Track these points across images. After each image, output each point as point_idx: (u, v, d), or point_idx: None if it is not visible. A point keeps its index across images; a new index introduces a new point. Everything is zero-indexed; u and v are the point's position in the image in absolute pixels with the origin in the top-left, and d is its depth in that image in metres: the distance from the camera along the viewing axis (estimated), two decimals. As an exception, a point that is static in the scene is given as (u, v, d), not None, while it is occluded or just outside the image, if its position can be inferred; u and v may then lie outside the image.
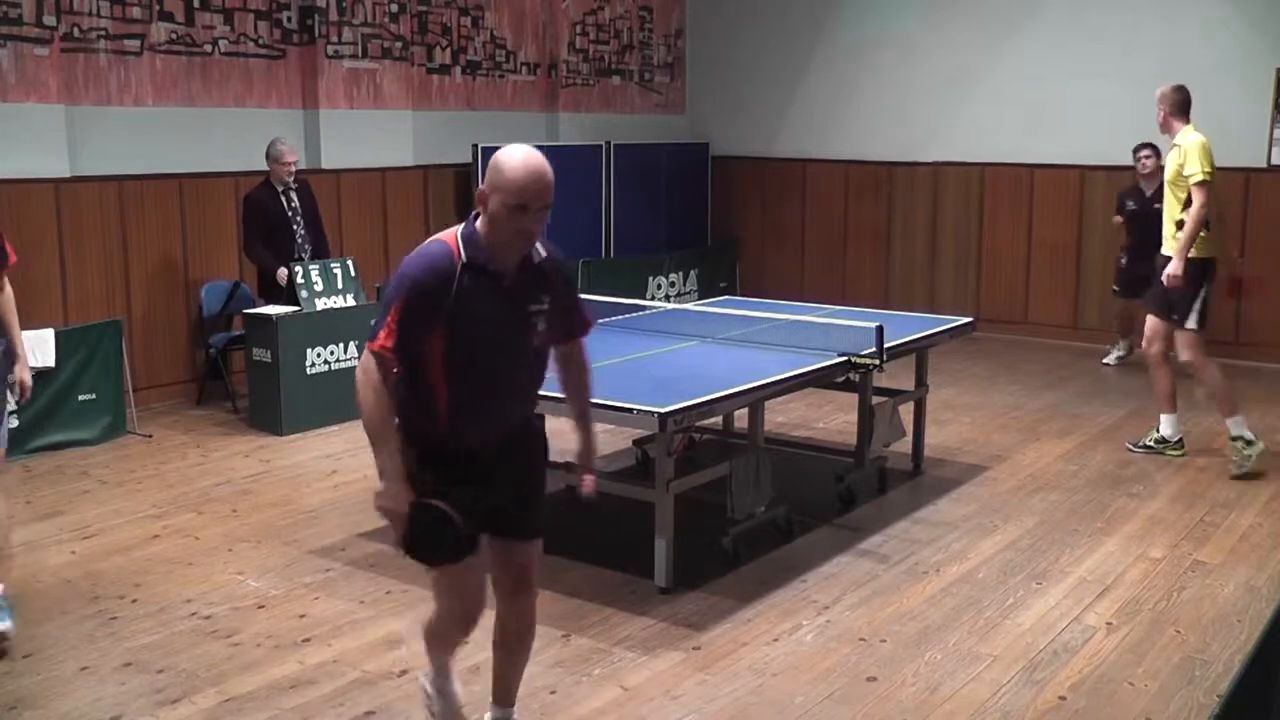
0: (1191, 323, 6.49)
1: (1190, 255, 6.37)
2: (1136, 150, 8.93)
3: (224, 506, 5.97)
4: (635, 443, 6.55)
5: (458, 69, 10.07)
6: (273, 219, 7.72)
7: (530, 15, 10.68)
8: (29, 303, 7.31)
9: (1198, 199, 6.29)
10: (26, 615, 4.64)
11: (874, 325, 5.58)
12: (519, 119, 10.61)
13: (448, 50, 9.97)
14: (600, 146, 10.97)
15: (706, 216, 12.32)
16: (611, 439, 7.02)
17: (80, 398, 7.03)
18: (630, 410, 4.57)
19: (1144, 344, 6.82)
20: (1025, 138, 10.38)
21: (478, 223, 3.08)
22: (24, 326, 6.91)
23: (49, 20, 7.27)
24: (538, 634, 4.45)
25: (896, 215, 11.24)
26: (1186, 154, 6.34)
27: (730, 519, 5.18)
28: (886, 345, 5.54)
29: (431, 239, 3.10)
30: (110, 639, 4.42)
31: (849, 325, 5.86)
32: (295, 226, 7.81)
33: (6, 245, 4.51)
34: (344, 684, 4.07)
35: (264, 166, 7.85)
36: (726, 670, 4.19)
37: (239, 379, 7.89)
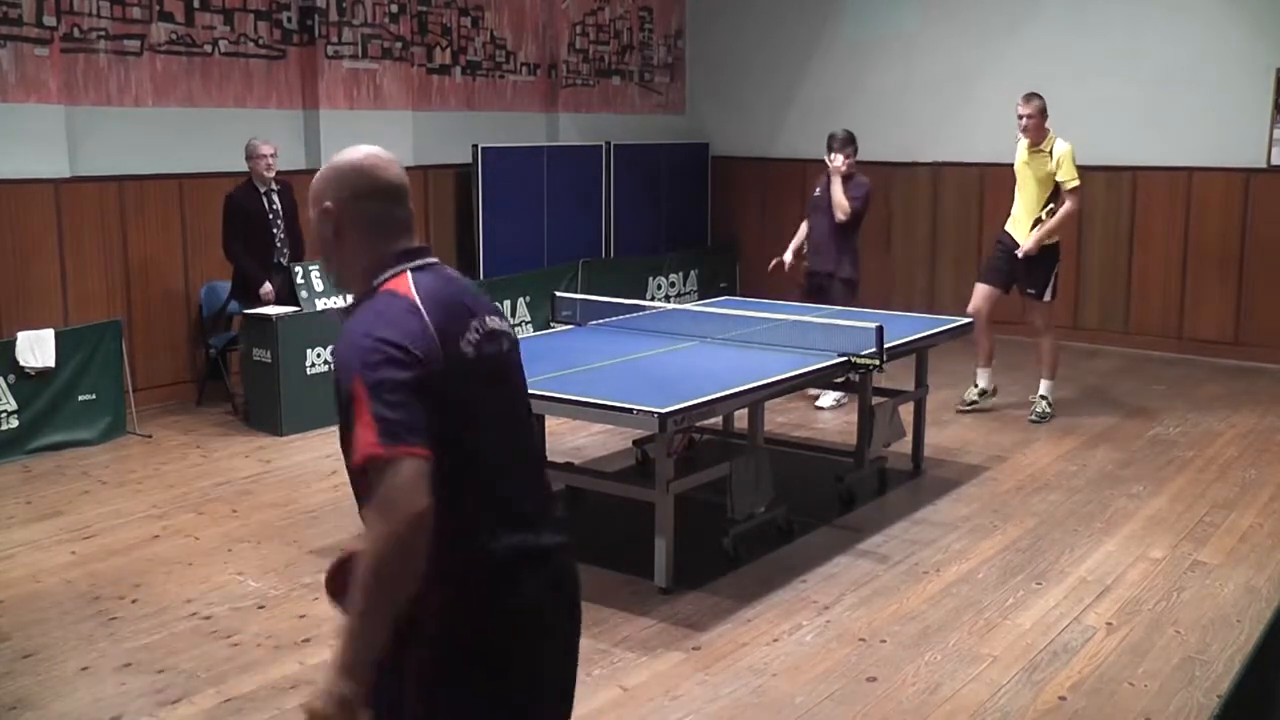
0: (1048, 295, 7.57)
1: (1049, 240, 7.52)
2: (844, 145, 7.94)
3: (224, 507, 5.97)
4: (635, 443, 6.54)
5: (458, 69, 10.07)
6: (253, 220, 7.66)
7: (530, 15, 10.68)
8: (29, 303, 7.34)
9: (1073, 202, 7.42)
10: (26, 616, 4.64)
11: (874, 325, 5.58)
12: (519, 119, 10.61)
13: (448, 50, 9.97)
14: (600, 147, 10.96)
15: (706, 216, 12.32)
16: (611, 439, 7.03)
17: (80, 398, 7.03)
18: (630, 410, 4.56)
19: (973, 310, 7.62)
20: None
21: None
22: (24, 327, 6.97)
23: (49, 20, 7.27)
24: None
25: (896, 215, 11.24)
26: (1063, 161, 7.35)
27: (730, 519, 5.18)
28: (886, 345, 5.54)
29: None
30: (110, 639, 4.42)
31: (849, 325, 5.86)
32: (275, 230, 7.75)
33: None
34: (344, 684, 4.07)
35: (264, 167, 7.87)
36: (726, 670, 4.18)
37: (239, 379, 7.89)
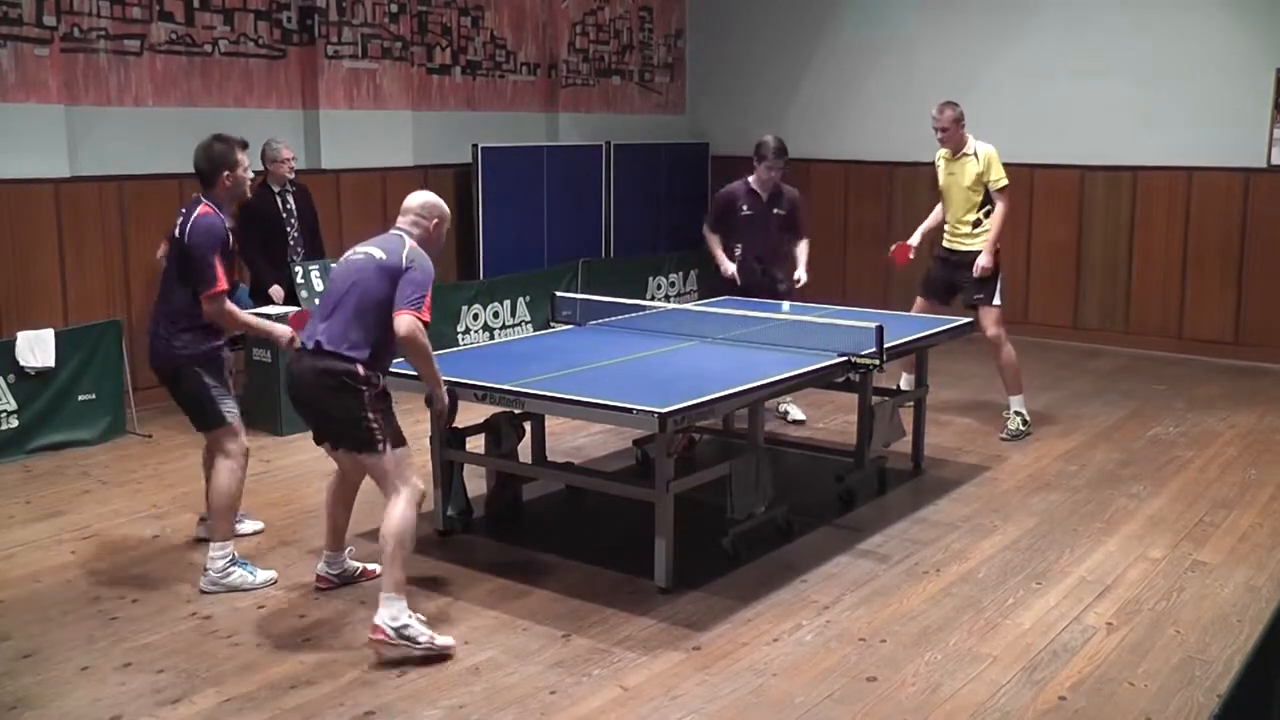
0: (997, 299, 7.32)
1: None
2: (778, 156, 7.29)
3: (224, 507, 5.97)
4: (635, 443, 6.55)
5: (458, 69, 10.07)
6: (267, 222, 7.69)
7: (530, 15, 10.69)
8: (29, 303, 7.34)
9: (1004, 203, 7.26)
10: (26, 616, 4.65)
11: (874, 325, 5.58)
12: (519, 119, 10.61)
13: (448, 50, 9.97)
14: (600, 146, 10.97)
15: (706, 216, 12.32)
16: (611, 439, 7.03)
17: (80, 398, 7.03)
18: (630, 410, 4.56)
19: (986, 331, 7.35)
20: (1025, 138, 10.36)
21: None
22: (24, 327, 6.96)
23: (49, 20, 7.27)
24: (537, 634, 4.48)
25: (896, 215, 11.23)
26: (990, 162, 7.23)
27: (730, 519, 5.18)
28: (886, 345, 5.54)
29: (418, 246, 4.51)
30: (110, 639, 4.42)
31: (849, 325, 5.86)
32: (289, 229, 7.78)
33: (216, 267, 4.93)
34: (344, 684, 4.07)
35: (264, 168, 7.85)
36: (726, 670, 4.19)
37: (239, 379, 7.87)
